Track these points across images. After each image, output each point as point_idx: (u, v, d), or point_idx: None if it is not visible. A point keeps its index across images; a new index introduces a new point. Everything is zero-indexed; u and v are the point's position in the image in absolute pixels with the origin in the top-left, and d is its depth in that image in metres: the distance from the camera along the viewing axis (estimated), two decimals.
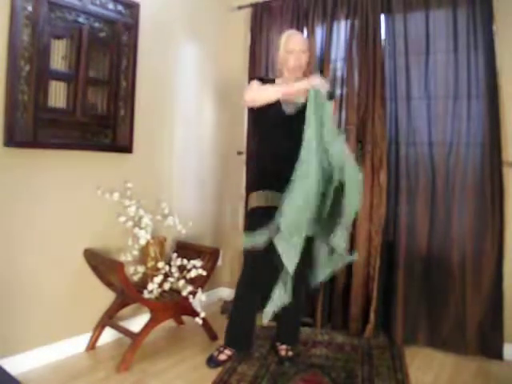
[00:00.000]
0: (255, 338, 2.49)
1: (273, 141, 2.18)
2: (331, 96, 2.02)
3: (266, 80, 2.24)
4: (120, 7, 2.34)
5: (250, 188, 2.26)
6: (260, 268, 2.21)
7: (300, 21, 2.86)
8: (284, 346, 2.32)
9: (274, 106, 2.13)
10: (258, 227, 2.17)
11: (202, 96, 3.10)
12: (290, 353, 2.30)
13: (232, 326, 2.30)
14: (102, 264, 2.27)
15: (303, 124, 1.96)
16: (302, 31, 2.83)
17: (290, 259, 1.93)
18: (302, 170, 1.91)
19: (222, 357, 2.24)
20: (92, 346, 2.35)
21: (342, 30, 2.77)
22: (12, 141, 1.94)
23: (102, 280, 2.38)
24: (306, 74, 2.57)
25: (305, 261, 2.30)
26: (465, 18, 2.40)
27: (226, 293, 3.25)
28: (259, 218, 2.15)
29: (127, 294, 2.25)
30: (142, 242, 2.35)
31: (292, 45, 2.14)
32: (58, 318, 2.22)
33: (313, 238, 2.15)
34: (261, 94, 2.08)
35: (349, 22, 2.72)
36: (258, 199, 2.17)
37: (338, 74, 2.78)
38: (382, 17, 2.63)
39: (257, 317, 2.33)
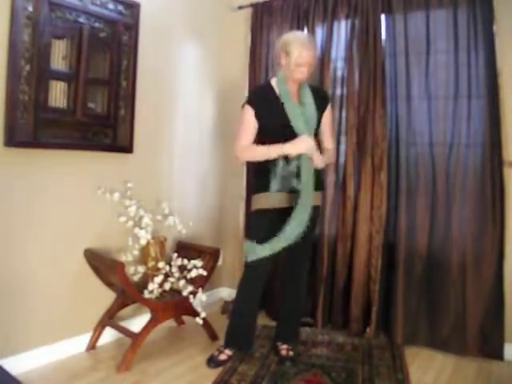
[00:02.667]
0: (255, 338, 2.50)
1: (279, 141, 2.15)
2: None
3: (261, 92, 2.24)
4: (120, 7, 2.34)
5: (258, 189, 2.21)
6: (263, 276, 2.22)
7: (300, 21, 2.85)
8: (285, 346, 2.32)
9: (281, 115, 2.13)
10: (269, 229, 2.16)
11: (203, 96, 3.10)
12: (291, 353, 2.30)
13: (233, 326, 2.29)
14: (102, 264, 2.27)
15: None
16: (302, 31, 2.82)
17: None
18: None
19: (223, 357, 2.24)
20: (92, 345, 2.35)
21: (342, 29, 2.76)
22: (12, 141, 1.94)
23: (102, 280, 2.38)
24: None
25: (302, 258, 2.32)
26: (465, 18, 2.40)
27: (227, 293, 3.25)
28: (271, 219, 2.16)
29: (128, 294, 2.25)
30: (143, 242, 2.34)
31: (305, 59, 2.06)
32: (58, 317, 2.22)
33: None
34: (251, 157, 2.19)
35: (349, 21, 2.71)
36: (270, 200, 2.15)
37: (339, 73, 2.78)
38: (383, 17, 2.63)
39: (258, 317, 2.34)
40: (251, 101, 2.18)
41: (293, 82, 2.16)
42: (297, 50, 2.05)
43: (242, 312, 2.27)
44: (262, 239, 2.14)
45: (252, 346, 2.36)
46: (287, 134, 2.11)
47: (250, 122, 2.16)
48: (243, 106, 2.20)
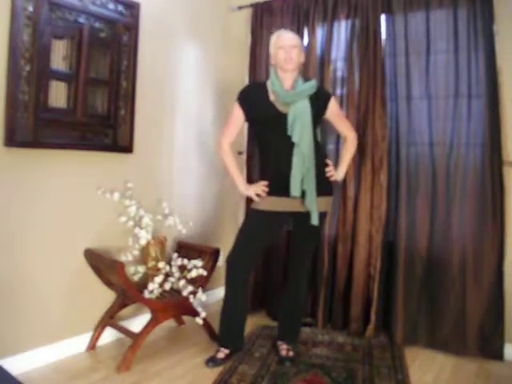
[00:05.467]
0: (257, 337, 2.51)
1: (273, 141, 2.18)
2: None
3: (251, 88, 2.33)
4: (120, 7, 2.34)
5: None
6: (245, 272, 2.26)
7: (300, 21, 2.85)
8: (285, 346, 2.33)
9: (267, 107, 2.15)
10: (263, 229, 2.21)
11: (203, 96, 3.10)
12: (291, 353, 2.31)
13: (221, 325, 2.30)
14: (102, 264, 2.27)
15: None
16: (302, 31, 2.83)
17: None
18: None
19: (220, 355, 2.25)
20: (92, 345, 2.35)
21: (342, 29, 2.76)
22: (12, 141, 1.94)
23: (102, 280, 2.38)
24: (305, 74, 2.59)
25: (304, 258, 2.32)
26: (465, 18, 2.40)
27: None
28: (269, 220, 2.18)
29: (128, 293, 2.25)
30: (143, 241, 2.35)
31: (281, 41, 2.15)
32: (59, 317, 2.22)
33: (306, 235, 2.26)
34: (224, 161, 2.31)
35: (349, 21, 2.71)
36: (272, 203, 2.15)
37: (339, 74, 2.78)
38: (383, 17, 2.63)
39: (247, 315, 2.35)
40: (239, 96, 2.26)
41: (283, 70, 2.16)
42: (276, 36, 2.21)
43: (229, 311, 2.27)
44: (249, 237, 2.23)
45: (242, 345, 2.35)
46: (276, 124, 2.13)
47: (233, 119, 2.27)
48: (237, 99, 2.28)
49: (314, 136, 2.15)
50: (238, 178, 2.29)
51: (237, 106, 2.25)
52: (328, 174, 2.23)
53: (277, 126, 2.12)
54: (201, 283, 2.43)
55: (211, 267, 2.51)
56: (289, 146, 2.10)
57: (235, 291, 2.25)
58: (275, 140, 2.16)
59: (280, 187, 2.13)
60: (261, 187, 2.16)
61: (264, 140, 2.23)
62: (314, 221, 2.12)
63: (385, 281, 2.61)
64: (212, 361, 2.23)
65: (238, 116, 2.26)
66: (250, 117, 2.25)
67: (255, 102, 2.19)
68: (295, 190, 2.08)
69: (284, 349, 2.32)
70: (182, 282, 2.35)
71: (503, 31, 2.33)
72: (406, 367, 2.26)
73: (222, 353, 2.26)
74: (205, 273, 2.41)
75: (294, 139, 2.08)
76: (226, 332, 2.29)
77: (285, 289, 2.38)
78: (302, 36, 2.79)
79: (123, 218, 2.37)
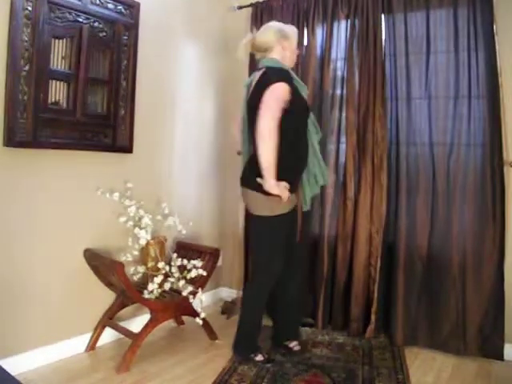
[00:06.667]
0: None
1: (302, 137, 2.16)
2: None
3: (290, 76, 2.12)
4: (120, 7, 2.34)
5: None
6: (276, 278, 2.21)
7: (300, 21, 2.85)
8: (294, 342, 2.38)
9: (302, 103, 2.14)
10: (285, 232, 2.19)
11: (202, 96, 3.10)
12: (297, 347, 2.36)
13: (247, 334, 2.29)
14: (101, 264, 2.26)
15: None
16: (302, 31, 2.82)
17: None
18: None
19: (260, 357, 2.26)
20: (92, 346, 2.34)
21: (342, 29, 2.76)
22: (12, 141, 1.94)
23: (101, 280, 2.37)
24: (305, 74, 2.61)
25: (300, 258, 2.34)
26: (465, 18, 2.40)
27: (226, 293, 3.25)
28: (290, 221, 2.21)
29: (127, 294, 2.25)
30: (142, 242, 2.34)
31: (295, 45, 2.21)
32: (58, 318, 2.22)
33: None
34: (266, 149, 1.94)
35: (349, 21, 2.71)
36: (288, 203, 2.12)
37: (339, 73, 2.78)
38: (383, 17, 2.63)
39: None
40: (286, 78, 2.04)
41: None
42: (294, 39, 2.21)
43: (256, 320, 2.28)
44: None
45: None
46: (305, 118, 2.16)
47: (280, 100, 1.99)
48: (273, 83, 1.99)
49: None
50: (273, 170, 1.97)
51: (286, 87, 1.99)
52: None
53: (307, 118, 2.16)
54: (200, 283, 2.43)
55: (211, 267, 2.51)
56: (306, 139, 2.15)
57: (265, 299, 2.25)
58: (302, 133, 2.15)
59: (296, 182, 2.19)
60: (284, 187, 2.03)
61: (292, 134, 2.06)
62: (308, 206, 2.27)
63: (385, 281, 2.61)
64: (268, 362, 2.24)
65: (285, 98, 1.99)
66: (293, 105, 2.03)
67: (297, 88, 2.10)
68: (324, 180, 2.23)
69: (294, 344, 2.37)
70: (182, 283, 2.35)
71: (503, 31, 2.32)
72: (407, 367, 2.25)
73: (261, 355, 2.27)
74: (204, 273, 2.40)
75: (320, 133, 2.20)
76: (256, 336, 2.30)
77: (285, 289, 2.35)
78: (301, 36, 2.79)
79: (123, 218, 2.36)
